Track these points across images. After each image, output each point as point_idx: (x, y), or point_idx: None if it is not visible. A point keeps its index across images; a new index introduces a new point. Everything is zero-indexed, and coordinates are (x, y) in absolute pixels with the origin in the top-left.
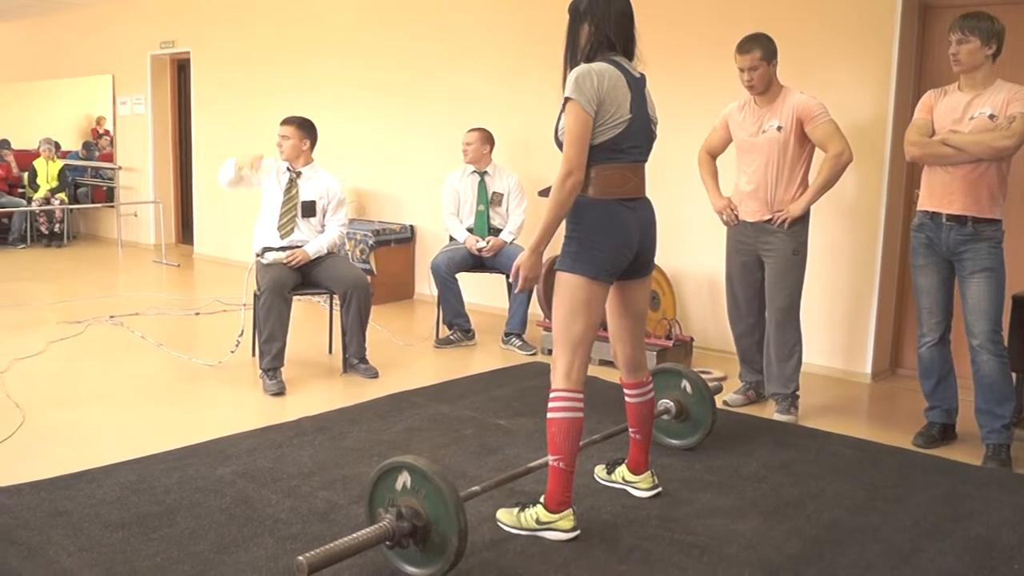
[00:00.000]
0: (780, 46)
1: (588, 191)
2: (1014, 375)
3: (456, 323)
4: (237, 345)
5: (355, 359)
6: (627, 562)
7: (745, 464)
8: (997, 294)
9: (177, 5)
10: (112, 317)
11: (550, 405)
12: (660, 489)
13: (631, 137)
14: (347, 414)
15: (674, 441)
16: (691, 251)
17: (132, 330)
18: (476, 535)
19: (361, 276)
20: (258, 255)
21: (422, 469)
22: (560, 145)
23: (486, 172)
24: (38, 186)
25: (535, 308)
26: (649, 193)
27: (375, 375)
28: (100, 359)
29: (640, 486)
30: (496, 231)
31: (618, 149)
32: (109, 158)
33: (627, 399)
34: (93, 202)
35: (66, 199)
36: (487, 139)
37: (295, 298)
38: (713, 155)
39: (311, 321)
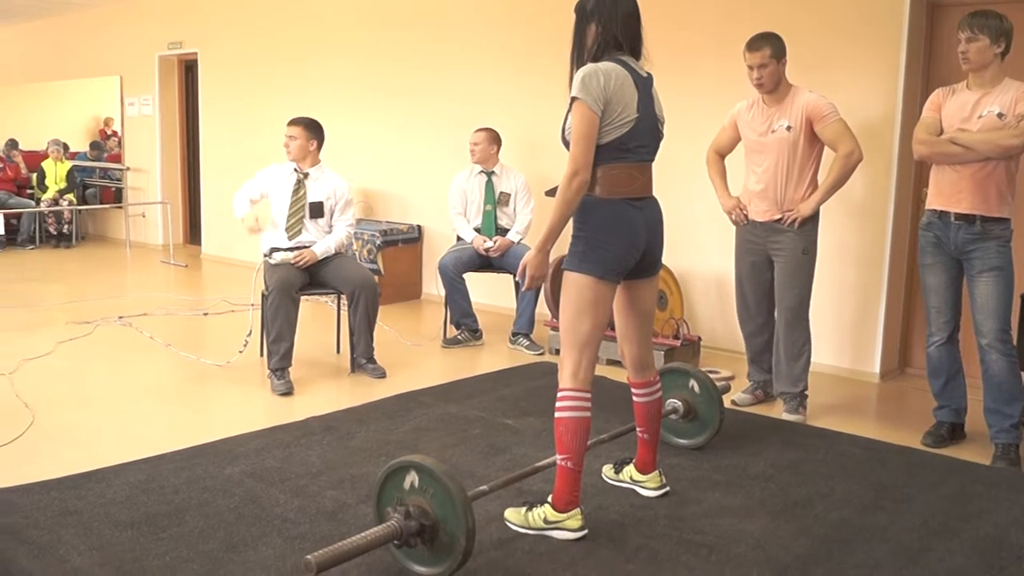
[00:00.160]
0: (788, 45)
1: (595, 191)
2: (1023, 374)
3: (463, 323)
4: (245, 345)
5: (363, 359)
6: (635, 561)
7: (753, 464)
8: (1006, 293)
9: (185, 6)
10: (121, 317)
11: (558, 405)
12: (668, 488)
13: (638, 136)
14: (355, 414)
15: (682, 440)
16: (699, 251)
17: (140, 330)
18: (484, 534)
19: (369, 276)
20: (266, 255)
21: (430, 468)
22: (567, 144)
23: (493, 172)
24: (47, 187)
25: (542, 308)
26: (656, 193)
27: (383, 375)
28: (109, 359)
29: (648, 485)
30: (503, 231)
31: (625, 148)
32: (117, 159)
33: (634, 398)
34: (101, 203)
35: (74, 200)
36: (494, 139)
37: (303, 298)
38: (721, 155)
39: (319, 321)
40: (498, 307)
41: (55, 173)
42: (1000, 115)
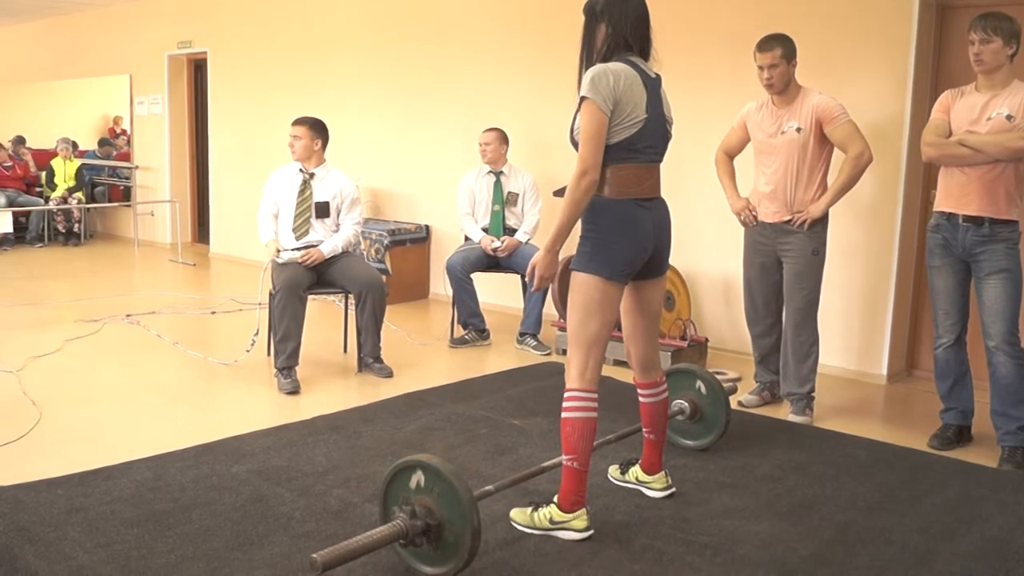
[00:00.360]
0: (798, 47)
1: (604, 191)
2: None
3: (471, 323)
4: (252, 344)
5: (370, 358)
6: (640, 562)
7: (759, 465)
8: (1014, 295)
9: (194, 5)
10: (128, 316)
11: (564, 405)
12: (674, 489)
13: (647, 137)
14: (361, 413)
15: (688, 442)
16: (706, 251)
17: (148, 329)
18: (489, 534)
19: (376, 276)
20: (273, 251)
21: (436, 468)
22: (575, 145)
23: (502, 172)
24: (56, 185)
25: (550, 308)
26: (665, 193)
27: (390, 374)
28: (116, 357)
29: (654, 486)
30: (511, 231)
31: (634, 149)
32: (126, 157)
33: (641, 399)
34: (110, 201)
35: (83, 198)
36: (504, 139)
37: (310, 297)
38: (730, 155)
39: (326, 320)
40: (505, 307)
41: (64, 171)
42: (1009, 117)
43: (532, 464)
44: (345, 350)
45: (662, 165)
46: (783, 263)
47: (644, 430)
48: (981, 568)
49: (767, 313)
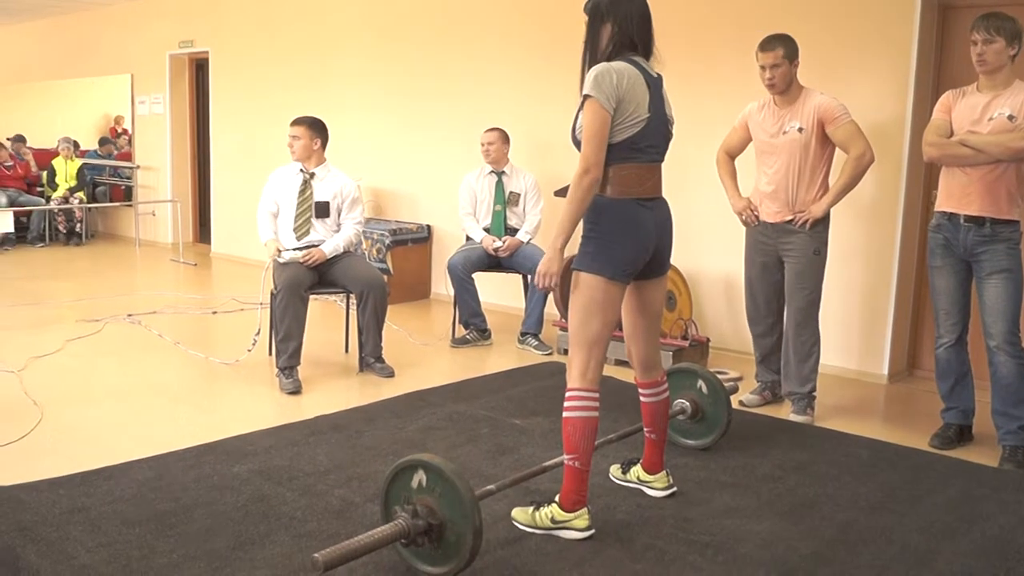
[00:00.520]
0: (800, 47)
1: (606, 191)
2: None
3: (472, 323)
4: (254, 344)
5: (371, 358)
6: (642, 561)
7: (760, 464)
8: (1015, 295)
9: (196, 5)
10: (130, 316)
11: (566, 404)
12: (675, 489)
13: (649, 136)
14: (363, 413)
15: (689, 441)
16: (708, 251)
17: (150, 328)
18: (491, 534)
19: (378, 275)
20: (272, 251)
21: (438, 467)
22: (577, 144)
23: (503, 172)
24: (57, 185)
25: (551, 308)
26: (666, 193)
27: (391, 374)
28: (118, 357)
29: (655, 486)
30: (513, 231)
31: (636, 148)
32: (127, 157)
33: (642, 399)
34: (111, 201)
35: (85, 198)
36: (506, 138)
37: (312, 297)
38: (732, 155)
39: (327, 320)
40: (507, 307)
41: (65, 171)
42: (1011, 117)
43: (533, 464)
44: (347, 350)
45: (663, 165)
46: (784, 263)
47: (645, 430)
48: (982, 567)
49: (768, 313)
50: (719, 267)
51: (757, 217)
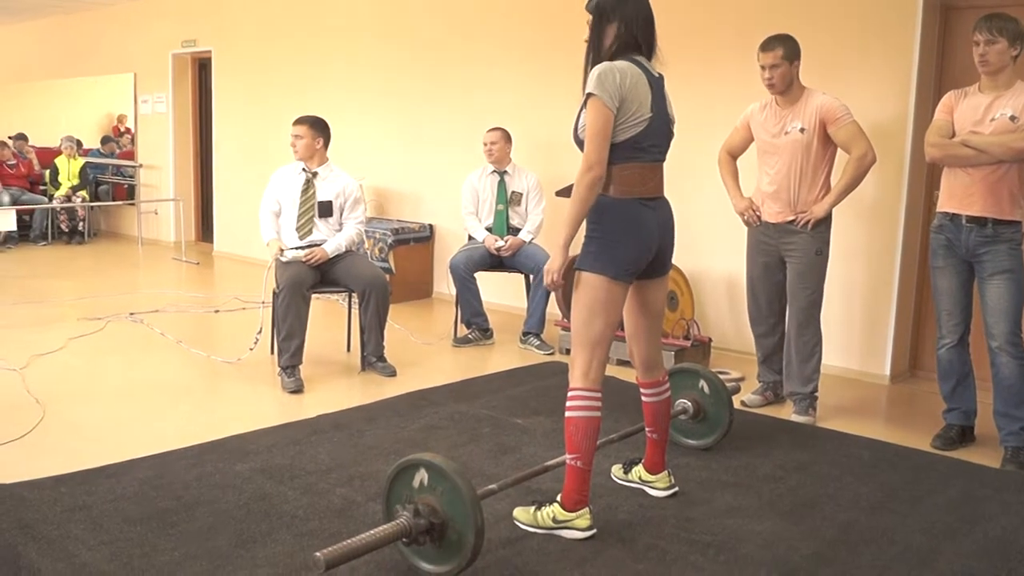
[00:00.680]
0: (802, 47)
1: (609, 190)
2: None
3: (474, 322)
4: (256, 343)
5: (373, 357)
6: (643, 561)
7: (762, 464)
8: (1017, 296)
9: (199, 4)
10: (132, 314)
11: (568, 404)
12: (677, 489)
13: (652, 136)
14: (365, 412)
15: (691, 441)
16: (710, 251)
17: (152, 327)
18: (493, 533)
19: (380, 275)
20: (275, 250)
21: (439, 467)
22: (579, 143)
23: (506, 172)
24: (59, 184)
25: (553, 308)
26: (668, 193)
27: (393, 373)
28: (120, 356)
29: (657, 486)
30: (515, 230)
31: (639, 147)
32: (130, 156)
33: (643, 398)
34: (114, 200)
35: (87, 197)
36: (508, 138)
37: (314, 296)
38: (734, 155)
39: (329, 319)
40: (509, 306)
41: (68, 170)
42: (1012, 118)
43: (535, 463)
44: (348, 349)
45: (665, 165)
46: (786, 263)
47: (647, 429)
48: (983, 568)
49: (770, 313)
50: (721, 267)
51: (759, 217)
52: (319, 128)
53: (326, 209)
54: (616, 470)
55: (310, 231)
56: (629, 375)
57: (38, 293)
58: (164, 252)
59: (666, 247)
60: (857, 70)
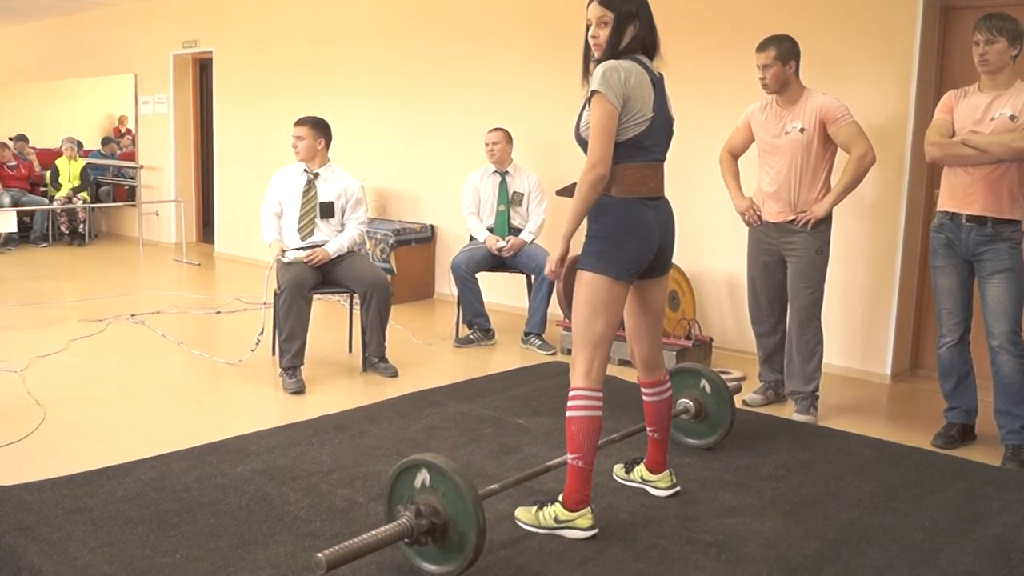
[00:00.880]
0: (802, 47)
1: (610, 190)
2: None
3: (476, 322)
4: (257, 344)
5: (375, 358)
6: (645, 560)
7: (764, 464)
8: (1017, 295)
9: (200, 5)
10: (133, 315)
11: (569, 404)
12: (678, 488)
13: (653, 135)
14: (366, 412)
15: (693, 440)
16: (711, 251)
17: (153, 328)
18: (494, 533)
19: (381, 275)
20: (277, 251)
21: (441, 467)
22: (581, 142)
23: (507, 172)
24: (60, 185)
25: (555, 308)
26: (669, 193)
27: (395, 374)
28: (121, 357)
29: (658, 485)
30: (516, 231)
31: (641, 147)
32: (131, 157)
33: (644, 398)
34: (115, 201)
35: (88, 198)
36: (509, 138)
37: (315, 297)
38: (735, 155)
39: (331, 320)
40: (510, 307)
41: (69, 171)
42: (1012, 117)
43: (537, 463)
44: (350, 350)
45: (666, 165)
46: (787, 262)
47: (648, 429)
48: (985, 566)
49: (771, 312)
50: (722, 267)
51: (759, 217)
52: (320, 129)
53: (328, 210)
54: (618, 470)
55: (312, 232)
56: (630, 375)
57: (39, 295)
58: (165, 253)
59: (667, 247)
60: (857, 70)
